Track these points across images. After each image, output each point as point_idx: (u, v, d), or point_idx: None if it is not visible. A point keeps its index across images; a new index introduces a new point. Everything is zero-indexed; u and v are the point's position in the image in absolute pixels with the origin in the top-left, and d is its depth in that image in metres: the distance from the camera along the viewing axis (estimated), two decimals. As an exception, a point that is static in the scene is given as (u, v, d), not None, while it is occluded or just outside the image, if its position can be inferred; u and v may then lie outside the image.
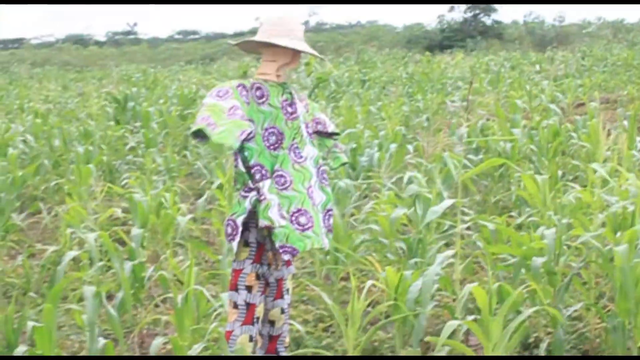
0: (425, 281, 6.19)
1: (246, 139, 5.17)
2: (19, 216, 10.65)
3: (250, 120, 5.22)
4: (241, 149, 5.23)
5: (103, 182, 11.51)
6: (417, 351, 6.32)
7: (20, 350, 5.53)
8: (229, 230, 5.28)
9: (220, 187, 9.93)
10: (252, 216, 5.27)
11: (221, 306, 6.57)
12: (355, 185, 10.32)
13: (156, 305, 7.70)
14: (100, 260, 7.65)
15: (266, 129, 5.31)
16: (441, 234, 7.98)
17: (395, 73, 29.85)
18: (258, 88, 5.33)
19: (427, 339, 6.21)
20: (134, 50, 72.78)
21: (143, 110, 17.68)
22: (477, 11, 66.57)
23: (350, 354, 5.85)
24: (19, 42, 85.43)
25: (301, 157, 5.44)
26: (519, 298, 5.83)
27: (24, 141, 14.60)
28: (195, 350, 5.85)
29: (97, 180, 11.63)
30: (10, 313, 6.00)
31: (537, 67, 29.33)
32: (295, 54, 5.47)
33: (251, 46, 5.63)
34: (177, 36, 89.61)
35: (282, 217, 5.26)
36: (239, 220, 5.23)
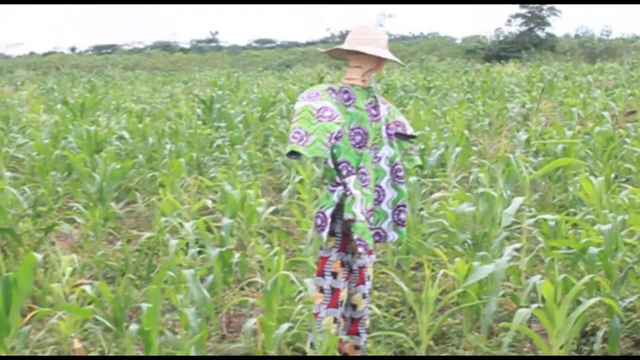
0: (493, 271, 6.19)
1: (335, 138, 5.22)
2: (116, 205, 10.79)
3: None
4: (330, 147, 5.28)
5: (193, 175, 11.59)
6: (483, 336, 6.32)
7: (133, 329, 5.59)
8: (319, 221, 5.33)
9: (301, 181, 9.99)
10: (339, 209, 5.32)
11: (303, 290, 6.63)
12: (423, 182, 10.35)
13: (241, 289, 7.75)
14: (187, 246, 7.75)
15: (352, 129, 5.36)
16: (504, 229, 7.94)
17: (456, 81, 29.78)
18: (345, 92, 5.38)
19: (502, 324, 6.21)
20: (215, 56, 73.20)
21: (227, 112, 17.81)
22: (532, 25, 66.21)
23: (423, 337, 5.84)
24: (112, 48, 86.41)
25: (377, 157, 5.53)
26: (580, 289, 5.79)
27: (121, 137, 14.75)
28: (282, 329, 5.88)
29: (187, 174, 11.75)
30: (119, 293, 6.07)
31: (589, 77, 29.09)
32: (380, 60, 5.52)
33: (339, 53, 5.68)
34: (254, 44, 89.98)
35: (361, 212, 5.31)
36: (328, 213, 5.29)
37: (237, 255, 7.58)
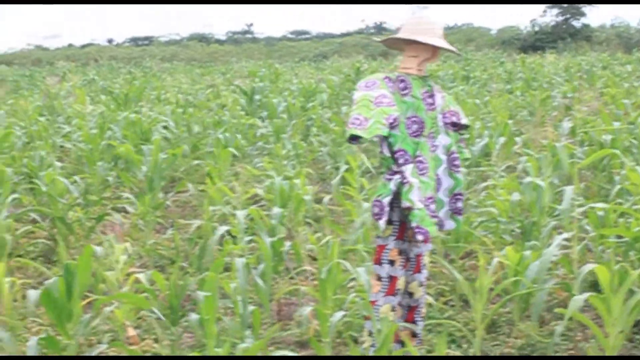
0: (543, 260, 6.18)
1: (392, 126, 5.22)
2: (163, 194, 10.84)
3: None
4: (386, 136, 5.28)
5: (240, 165, 11.62)
6: (534, 325, 6.30)
7: (193, 318, 5.62)
8: (376, 210, 5.33)
9: (348, 170, 9.99)
10: (396, 197, 5.31)
11: (355, 278, 6.64)
12: (468, 172, 10.34)
13: (290, 278, 7.77)
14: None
15: (409, 118, 5.35)
16: (553, 218, 7.90)
17: (494, 71, 29.65)
18: (402, 80, 5.38)
19: (557, 310, 6.20)
20: (252, 47, 73.24)
21: (270, 102, 17.84)
22: (568, 15, 65.77)
23: (477, 325, 5.83)
24: (148, 40, 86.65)
25: (435, 145, 5.52)
26: (636, 277, 5.74)
27: (165, 127, 14.80)
28: (337, 317, 5.88)
29: (231, 164, 11.79)
30: (173, 282, 6.09)
31: (628, 67, 28.88)
32: (435, 50, 5.50)
33: (394, 42, 5.65)
34: (289, 35, 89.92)
35: (420, 200, 5.30)
36: (385, 201, 5.29)
37: (287, 244, 7.58)
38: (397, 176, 5.30)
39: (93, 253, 5.45)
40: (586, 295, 5.47)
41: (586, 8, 66.17)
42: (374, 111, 5.19)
